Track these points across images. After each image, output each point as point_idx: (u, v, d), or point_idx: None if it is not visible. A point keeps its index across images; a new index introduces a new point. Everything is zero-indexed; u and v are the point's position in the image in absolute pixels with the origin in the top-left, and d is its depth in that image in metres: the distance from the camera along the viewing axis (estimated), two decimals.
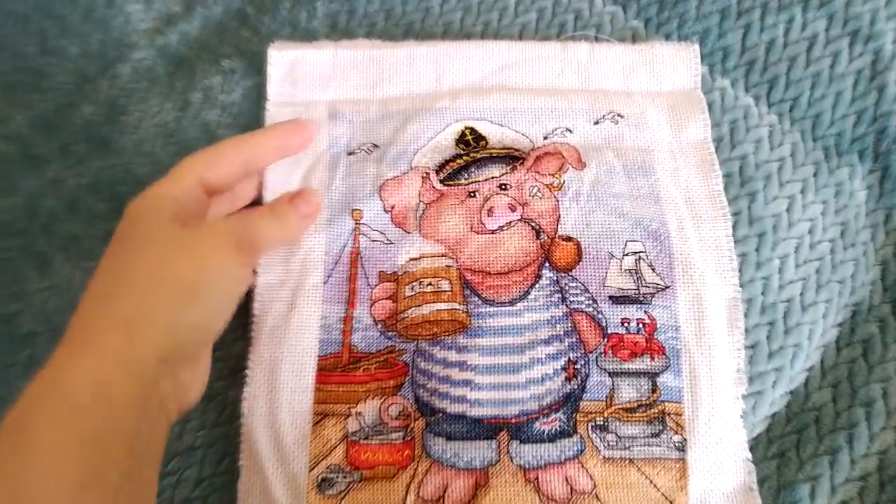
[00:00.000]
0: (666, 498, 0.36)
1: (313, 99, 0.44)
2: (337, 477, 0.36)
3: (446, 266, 0.40)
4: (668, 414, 0.37)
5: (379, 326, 0.39)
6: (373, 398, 0.38)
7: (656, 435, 0.37)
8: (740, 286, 0.40)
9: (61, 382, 0.27)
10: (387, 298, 0.39)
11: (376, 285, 0.40)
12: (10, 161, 0.44)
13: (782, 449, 0.38)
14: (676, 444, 0.37)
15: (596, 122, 0.43)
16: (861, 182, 0.43)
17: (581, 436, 0.37)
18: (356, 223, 0.41)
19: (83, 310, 0.30)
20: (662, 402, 0.38)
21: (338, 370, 0.38)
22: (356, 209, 0.41)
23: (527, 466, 0.36)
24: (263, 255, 0.39)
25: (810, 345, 0.40)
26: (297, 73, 0.44)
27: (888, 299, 0.41)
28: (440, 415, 0.37)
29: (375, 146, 0.43)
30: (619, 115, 0.43)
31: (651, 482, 0.36)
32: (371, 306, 0.39)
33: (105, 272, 0.31)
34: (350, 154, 0.43)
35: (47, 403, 0.27)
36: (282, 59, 0.44)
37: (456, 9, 0.48)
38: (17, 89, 0.45)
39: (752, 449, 0.38)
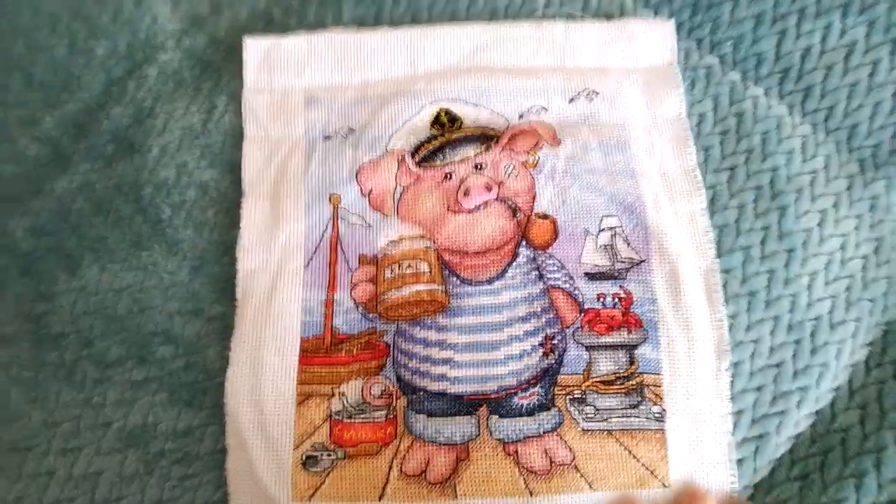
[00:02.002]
0: (647, 468, 0.36)
1: (289, 86, 0.45)
2: (321, 455, 0.37)
3: (425, 248, 0.41)
4: (647, 385, 0.38)
5: (360, 309, 0.40)
6: (355, 378, 0.39)
7: (635, 406, 0.38)
8: (766, 302, 0.39)
9: None
10: (367, 281, 0.40)
11: (356, 268, 0.41)
12: (41, 163, 0.44)
13: (806, 471, 0.38)
14: (655, 415, 0.37)
15: (571, 100, 0.44)
16: None
17: (559, 409, 0.38)
18: (335, 208, 0.42)
19: None
20: (641, 373, 0.38)
21: (320, 352, 0.39)
22: (334, 194, 0.42)
23: (506, 440, 0.37)
24: None
25: (838, 364, 0.39)
26: (273, 60, 0.45)
27: None
28: (421, 393, 0.38)
29: (351, 130, 0.44)
30: (594, 91, 0.44)
31: (631, 453, 0.37)
32: (352, 289, 0.40)
33: None
34: (326, 139, 0.44)
35: None
36: (257, 47, 0.45)
37: (483, 13, 0.47)
38: (47, 90, 0.46)
39: (774, 470, 0.38)
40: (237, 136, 0.44)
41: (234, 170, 0.43)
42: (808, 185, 0.42)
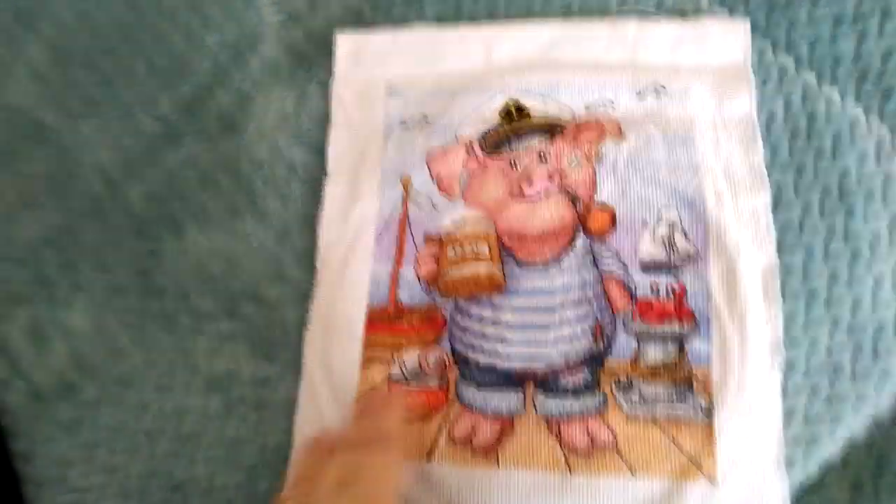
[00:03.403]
0: (691, 461, 0.37)
1: (373, 77, 0.48)
2: None
3: (486, 230, 0.43)
4: (696, 377, 0.38)
5: (422, 284, 0.43)
6: (414, 347, 0.42)
7: (682, 397, 0.38)
8: (826, 301, 0.39)
9: None
10: (431, 258, 0.43)
11: (422, 246, 0.44)
12: (157, 138, 0.50)
13: (858, 477, 0.37)
14: (703, 408, 0.38)
15: (639, 93, 0.45)
16: None
17: (604, 392, 0.39)
18: (406, 189, 0.45)
19: None
20: (690, 365, 0.39)
21: (384, 321, 0.43)
22: (406, 176, 0.45)
23: (550, 416, 0.39)
24: None
25: None
26: (361, 54, 0.49)
27: None
28: (473, 365, 0.41)
29: (425, 118, 0.47)
30: (662, 87, 0.44)
31: (675, 443, 0.37)
32: (416, 265, 0.43)
33: None
34: (403, 125, 0.47)
35: None
36: (346, 41, 0.49)
37: (558, 10, 0.49)
38: (165, 74, 0.52)
39: (825, 472, 0.38)
40: (324, 121, 0.48)
41: (319, 151, 0.48)
42: (879, 188, 0.41)
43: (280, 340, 0.44)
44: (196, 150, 0.49)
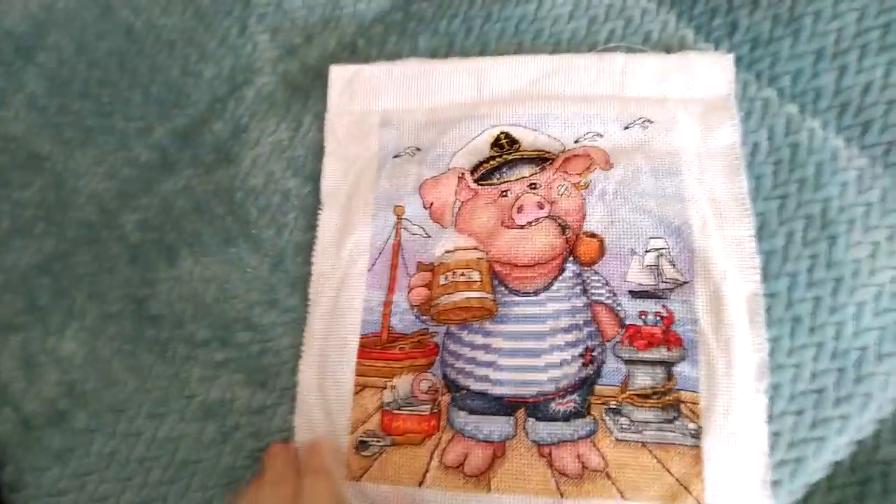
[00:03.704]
0: (680, 483, 0.38)
1: (367, 109, 0.49)
2: (372, 441, 0.41)
3: (477, 258, 0.44)
4: (684, 402, 0.39)
5: (415, 311, 0.44)
6: (406, 374, 0.42)
7: (670, 421, 0.39)
8: (810, 328, 0.40)
9: None
10: (423, 286, 0.44)
11: (414, 274, 0.44)
12: (152, 167, 0.51)
13: (843, 499, 0.38)
14: (692, 432, 0.38)
15: (626, 127, 0.46)
16: None
17: (594, 417, 0.40)
18: (398, 218, 0.46)
19: None
20: (678, 390, 0.39)
21: (377, 348, 0.43)
22: (398, 205, 0.46)
23: (541, 442, 0.40)
24: None
25: (883, 396, 0.39)
26: (355, 86, 0.50)
27: None
28: (465, 391, 0.41)
29: (418, 149, 0.48)
30: (649, 120, 0.45)
31: (664, 467, 0.38)
32: (409, 293, 0.44)
33: None
34: (396, 157, 0.48)
35: None
36: (341, 74, 0.50)
37: (548, 45, 0.51)
38: (161, 105, 0.53)
39: (810, 494, 0.38)
40: (318, 151, 0.49)
41: (313, 180, 0.48)
42: (861, 216, 0.42)
43: (275, 369, 0.44)
44: (191, 178, 0.50)
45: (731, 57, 0.47)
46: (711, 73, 0.47)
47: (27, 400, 0.46)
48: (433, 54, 0.51)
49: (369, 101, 0.50)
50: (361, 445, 0.41)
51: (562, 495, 0.38)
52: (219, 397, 0.44)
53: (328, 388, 0.43)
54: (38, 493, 0.43)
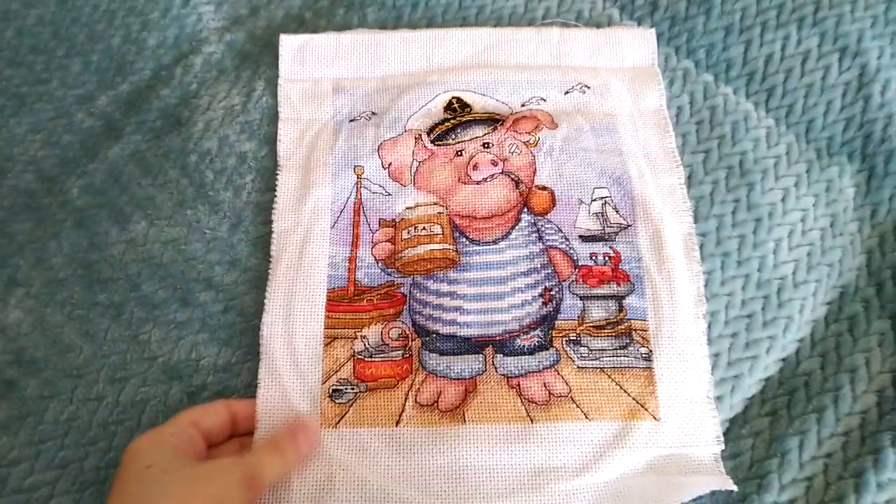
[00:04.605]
0: (637, 402, 0.41)
1: (319, 76, 0.51)
2: (346, 388, 0.42)
3: (438, 213, 0.46)
4: (635, 330, 0.43)
5: (380, 265, 0.45)
6: (375, 324, 0.44)
7: (624, 347, 0.43)
8: (738, 262, 0.45)
9: None
10: (386, 241, 0.46)
11: (377, 230, 0.46)
12: (95, 133, 0.49)
13: (775, 408, 0.42)
14: (643, 356, 0.42)
15: (566, 92, 0.50)
16: (849, 180, 0.48)
17: (557, 349, 0.43)
18: (358, 178, 0.48)
19: None
20: (629, 319, 0.43)
21: (344, 301, 0.44)
22: (358, 165, 0.48)
23: (510, 375, 0.42)
24: (268, 487, 0.40)
25: (801, 318, 0.45)
26: (305, 54, 0.52)
27: (872, 283, 0.45)
28: (434, 335, 0.43)
29: (374, 114, 0.50)
30: (585, 86, 0.50)
31: (622, 388, 0.42)
32: (372, 248, 0.46)
33: None
34: (352, 121, 0.50)
35: None
36: (291, 43, 0.52)
37: (490, 19, 0.54)
38: (103, 73, 0.51)
39: (747, 407, 0.43)
40: (273, 116, 0.50)
41: (269, 143, 0.49)
42: (772, 167, 0.48)
43: (239, 326, 0.44)
44: (139, 144, 0.49)
45: (652, 32, 0.52)
46: (636, 46, 0.52)
47: None
48: (382, 27, 0.53)
49: (321, 68, 0.51)
50: (335, 394, 0.42)
51: (532, 420, 0.41)
52: (183, 357, 0.43)
53: (297, 341, 0.43)
54: None
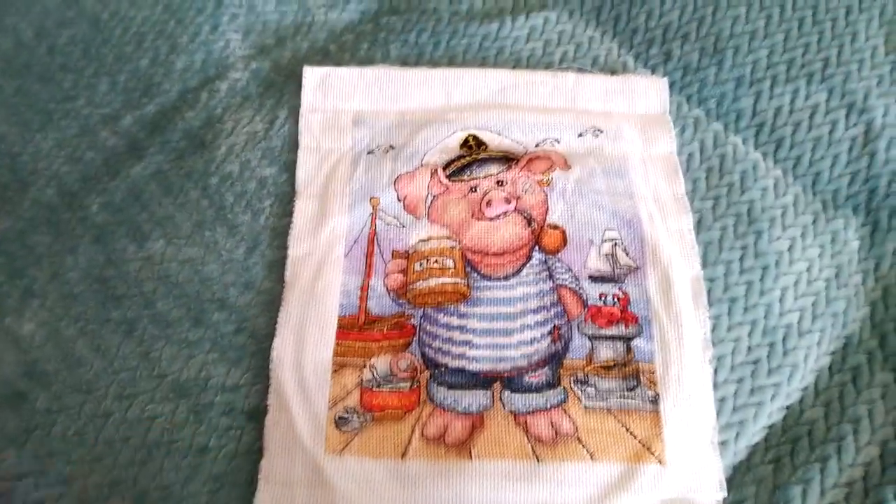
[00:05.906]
0: (643, 444, 0.41)
1: (340, 108, 0.53)
2: (352, 417, 0.42)
3: (451, 246, 0.47)
4: (643, 372, 0.44)
5: (391, 295, 0.46)
6: (385, 353, 0.44)
7: (632, 389, 0.43)
8: (744, 308, 0.46)
9: None
10: (398, 272, 0.47)
11: (390, 261, 0.47)
12: (118, 152, 0.50)
13: (778, 455, 0.43)
14: (650, 398, 0.43)
15: (580, 135, 0.52)
16: (854, 233, 0.49)
17: (564, 387, 0.43)
18: (374, 209, 0.49)
19: None
20: (637, 361, 0.44)
21: (355, 329, 0.45)
22: (374, 196, 0.49)
23: (517, 412, 0.42)
24: None
25: (805, 367, 0.45)
26: (328, 86, 0.53)
27: (876, 335, 0.46)
28: (443, 368, 0.44)
29: (392, 147, 0.51)
30: (599, 129, 0.52)
31: (628, 430, 0.42)
32: (385, 278, 0.46)
33: None
34: (370, 153, 0.51)
35: None
36: (314, 74, 0.53)
37: (509, 61, 0.56)
38: (129, 93, 0.53)
39: (751, 454, 0.43)
40: (294, 144, 0.51)
41: (289, 169, 0.50)
42: (779, 216, 0.49)
43: (250, 348, 0.44)
44: (162, 164, 0.50)
45: (665, 80, 0.54)
46: (649, 94, 0.54)
47: None
48: (404, 63, 0.55)
49: (342, 100, 0.53)
50: (341, 421, 0.42)
51: (538, 459, 0.41)
52: (192, 376, 0.43)
53: (306, 366, 0.43)
54: None
